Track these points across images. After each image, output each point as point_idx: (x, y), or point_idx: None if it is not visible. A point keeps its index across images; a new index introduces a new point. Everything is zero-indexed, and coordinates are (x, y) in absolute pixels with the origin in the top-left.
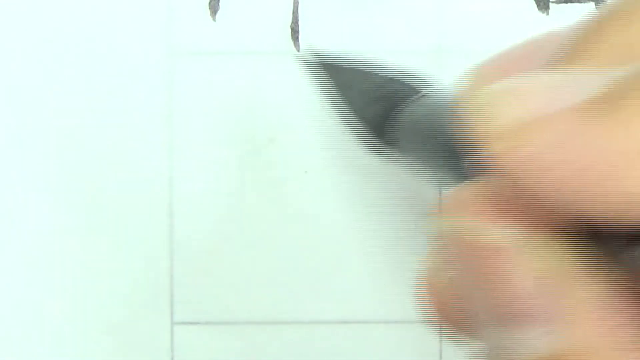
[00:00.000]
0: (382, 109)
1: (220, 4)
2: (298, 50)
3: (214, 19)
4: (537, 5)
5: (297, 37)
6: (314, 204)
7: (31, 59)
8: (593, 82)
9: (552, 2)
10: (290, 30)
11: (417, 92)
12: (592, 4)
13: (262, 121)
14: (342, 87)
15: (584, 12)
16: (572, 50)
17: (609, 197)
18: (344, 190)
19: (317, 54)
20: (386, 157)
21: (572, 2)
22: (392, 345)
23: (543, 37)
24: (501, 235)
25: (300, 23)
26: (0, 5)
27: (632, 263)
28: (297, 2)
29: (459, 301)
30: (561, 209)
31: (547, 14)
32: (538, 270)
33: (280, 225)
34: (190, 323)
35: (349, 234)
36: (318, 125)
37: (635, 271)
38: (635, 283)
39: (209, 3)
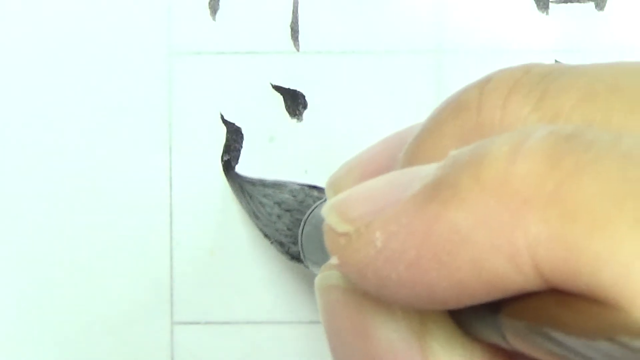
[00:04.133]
0: (293, 218)
1: (220, 3)
2: (298, 50)
3: (214, 19)
4: (537, 5)
5: (297, 37)
6: None
7: (31, 59)
8: (424, 173)
9: (552, 2)
10: (290, 30)
11: (320, 199)
12: (592, 4)
13: (262, 121)
14: (256, 203)
15: (584, 12)
16: (411, 147)
17: (438, 286)
18: None
19: (232, 175)
20: (302, 262)
21: (572, 2)
22: None
23: (403, 131)
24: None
25: (300, 23)
26: (0, 5)
27: (489, 335)
28: (297, 2)
29: None
30: (403, 303)
31: (547, 14)
32: (400, 332)
33: None
34: (190, 323)
35: None
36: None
37: (493, 343)
38: (494, 354)
39: (209, 3)
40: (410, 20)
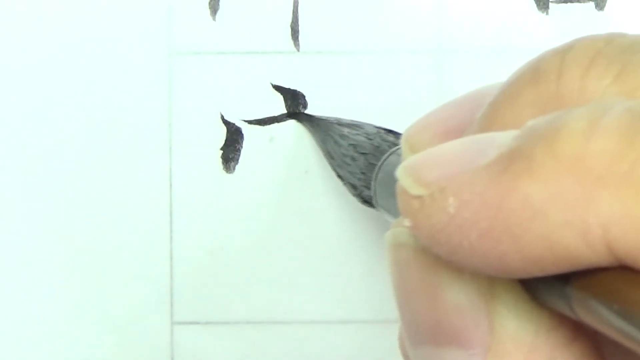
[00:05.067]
0: (367, 162)
1: (220, 3)
2: (298, 50)
3: (214, 19)
4: (537, 5)
5: (297, 37)
6: (314, 204)
7: (31, 59)
8: (500, 141)
9: (552, 2)
10: (290, 30)
11: (396, 145)
12: (592, 4)
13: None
14: (331, 142)
15: (584, 12)
16: (488, 112)
17: (509, 257)
18: (343, 190)
19: (307, 114)
20: (373, 207)
21: (572, 2)
22: (392, 345)
23: (481, 90)
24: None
25: (300, 23)
26: (0, 5)
27: (557, 304)
28: (297, 2)
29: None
30: (473, 270)
31: (547, 14)
32: (468, 294)
33: (280, 225)
34: (190, 323)
35: (349, 233)
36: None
37: (560, 312)
38: (560, 324)
39: (209, 3)
40: (410, 20)
